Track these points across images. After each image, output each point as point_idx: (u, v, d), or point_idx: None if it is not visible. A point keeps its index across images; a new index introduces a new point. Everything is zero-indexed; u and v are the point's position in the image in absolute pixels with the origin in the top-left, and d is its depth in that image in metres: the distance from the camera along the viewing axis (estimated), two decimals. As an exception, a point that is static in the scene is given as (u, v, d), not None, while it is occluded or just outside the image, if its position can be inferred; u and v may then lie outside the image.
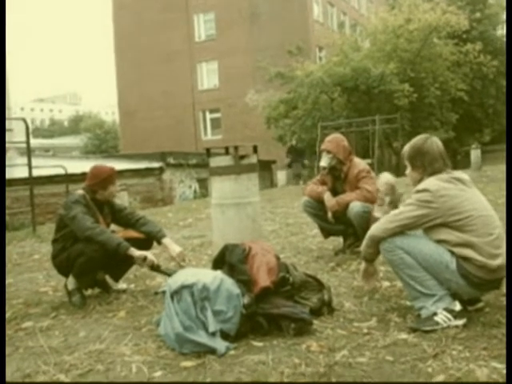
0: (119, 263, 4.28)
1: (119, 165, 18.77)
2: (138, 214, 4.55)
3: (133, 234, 4.27)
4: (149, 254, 4.06)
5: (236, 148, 3.74)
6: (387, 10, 26.53)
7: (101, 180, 4.23)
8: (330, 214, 5.13)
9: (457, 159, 28.02)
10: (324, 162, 5.17)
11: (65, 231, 4.18)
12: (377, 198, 4.84)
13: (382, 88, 22.91)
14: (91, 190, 4.25)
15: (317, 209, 5.23)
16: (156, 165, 19.22)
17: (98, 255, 3.98)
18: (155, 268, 4.08)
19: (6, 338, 3.39)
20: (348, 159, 5.13)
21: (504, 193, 5.53)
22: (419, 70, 24.68)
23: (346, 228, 5.14)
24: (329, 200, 5.07)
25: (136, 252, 3.99)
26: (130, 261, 4.14)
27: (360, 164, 5.12)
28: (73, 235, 4.09)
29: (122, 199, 11.67)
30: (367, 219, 4.79)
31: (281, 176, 22.95)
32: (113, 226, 4.47)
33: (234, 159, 3.74)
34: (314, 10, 37.49)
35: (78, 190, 4.28)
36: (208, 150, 3.98)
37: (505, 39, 24.15)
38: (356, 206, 4.88)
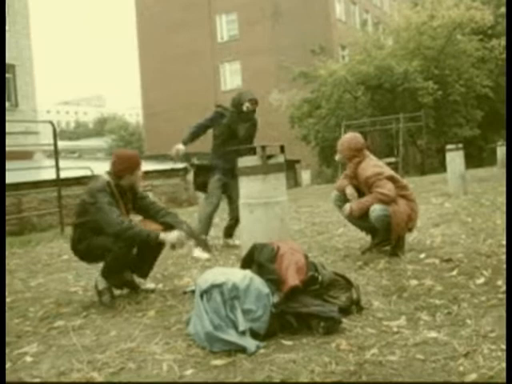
0: (145, 258, 4.32)
1: (144, 166, 18.91)
2: (160, 205, 4.55)
3: (151, 225, 4.21)
4: (177, 233, 4.07)
5: (263, 148, 3.76)
6: (410, 7, 26.33)
7: (128, 164, 4.16)
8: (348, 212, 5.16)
9: (482, 157, 27.70)
10: (337, 157, 5.48)
11: (86, 218, 4.13)
12: (392, 196, 4.87)
13: (405, 86, 22.78)
14: (117, 175, 4.16)
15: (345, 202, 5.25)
16: (180, 165, 19.31)
17: (123, 252, 4.02)
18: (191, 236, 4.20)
19: (39, 337, 3.45)
20: (353, 159, 5.18)
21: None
22: (443, 67, 24.46)
23: (372, 226, 5.13)
24: (345, 209, 5.17)
25: (168, 236, 4.03)
26: (155, 253, 4.25)
27: (367, 169, 5.06)
28: (94, 224, 4.05)
29: (148, 200, 11.78)
30: (388, 222, 4.82)
31: (305, 175, 22.95)
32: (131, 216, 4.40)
33: (261, 159, 3.75)
34: (336, 9, 37.40)
35: (103, 175, 4.18)
36: (236, 150, 4.01)
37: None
38: (375, 210, 4.89)
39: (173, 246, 4.11)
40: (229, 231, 6.61)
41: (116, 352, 3.05)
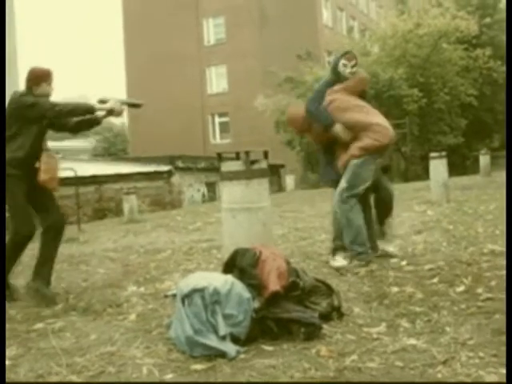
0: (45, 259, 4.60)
1: (128, 168, 18.85)
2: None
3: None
4: (112, 100, 4.50)
5: (247, 153, 3.77)
6: (397, 15, 26.53)
7: (34, 77, 4.51)
8: None
9: (466, 165, 27.93)
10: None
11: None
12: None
13: (391, 93, 22.93)
14: (28, 88, 4.49)
15: None
16: (165, 168, 19.29)
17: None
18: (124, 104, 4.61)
19: (18, 340, 3.43)
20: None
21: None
22: (428, 75, 24.67)
23: None
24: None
25: (105, 105, 4.45)
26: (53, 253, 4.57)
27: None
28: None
29: (131, 202, 11.74)
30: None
31: (289, 180, 22.99)
32: None
33: (245, 164, 3.76)
34: (324, 15, 37.57)
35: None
36: (219, 154, 4.02)
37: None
38: None
39: (110, 112, 4.47)
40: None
41: (96, 355, 3.04)
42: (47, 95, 4.53)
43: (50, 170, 4.47)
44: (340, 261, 5.00)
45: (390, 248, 5.29)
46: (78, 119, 4.66)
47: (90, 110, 4.43)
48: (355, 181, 4.91)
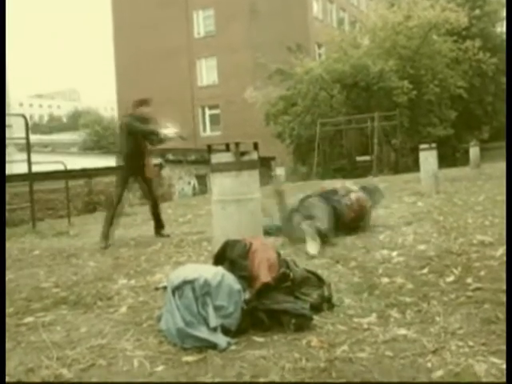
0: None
1: (118, 161, 18.79)
2: None
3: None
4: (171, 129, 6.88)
5: (237, 144, 3.76)
6: (387, 7, 26.55)
7: (136, 102, 7.15)
8: None
9: (455, 156, 28.05)
10: None
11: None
12: None
13: (381, 85, 22.96)
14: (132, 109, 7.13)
15: None
16: (155, 161, 19.19)
17: None
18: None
19: (8, 334, 3.41)
20: None
21: (503, 190, 5.56)
22: (418, 66, 24.73)
23: None
24: None
25: (163, 131, 6.82)
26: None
27: None
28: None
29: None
30: None
31: (280, 172, 22.97)
32: None
33: (235, 156, 3.76)
34: (314, 7, 37.50)
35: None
36: (209, 146, 4.01)
37: (504, 36, 24.16)
38: None
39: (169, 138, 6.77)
40: None
41: (86, 348, 3.03)
42: (145, 115, 7.00)
43: (150, 165, 7.13)
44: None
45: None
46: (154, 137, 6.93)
47: (155, 133, 6.82)
48: None
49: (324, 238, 5.30)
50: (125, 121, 7.01)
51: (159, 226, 7.31)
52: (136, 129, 6.79)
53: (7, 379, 2.69)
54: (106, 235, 6.77)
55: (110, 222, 6.85)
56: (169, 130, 6.75)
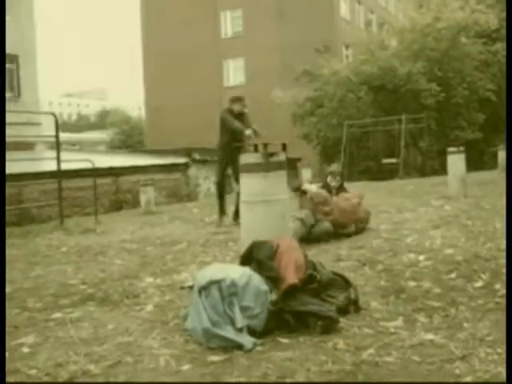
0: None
1: (145, 160, 18.89)
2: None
3: None
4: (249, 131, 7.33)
5: (265, 145, 3.76)
6: (415, 9, 26.25)
7: (232, 99, 8.04)
8: None
9: (483, 160, 27.66)
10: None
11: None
12: None
13: (408, 87, 22.74)
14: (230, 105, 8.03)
15: None
16: (182, 160, 19.29)
17: None
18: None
19: (37, 328, 3.46)
20: None
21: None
22: (447, 69, 24.41)
23: None
24: None
25: (245, 131, 7.34)
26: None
27: None
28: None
29: (148, 194, 11.78)
30: None
31: (306, 174, 22.88)
32: None
33: (263, 157, 3.76)
34: (342, 8, 37.34)
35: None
36: (239, 147, 4.01)
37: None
38: None
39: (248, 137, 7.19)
40: None
41: (113, 345, 3.06)
42: (239, 111, 7.83)
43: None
44: None
45: None
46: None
47: (238, 130, 7.46)
48: None
49: None
50: (222, 115, 7.91)
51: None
52: (226, 124, 7.74)
53: (28, 373, 2.73)
54: (223, 212, 8.17)
55: (222, 208, 8.16)
56: (248, 130, 7.33)
